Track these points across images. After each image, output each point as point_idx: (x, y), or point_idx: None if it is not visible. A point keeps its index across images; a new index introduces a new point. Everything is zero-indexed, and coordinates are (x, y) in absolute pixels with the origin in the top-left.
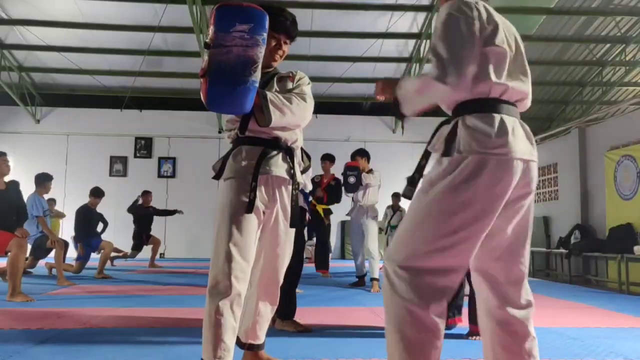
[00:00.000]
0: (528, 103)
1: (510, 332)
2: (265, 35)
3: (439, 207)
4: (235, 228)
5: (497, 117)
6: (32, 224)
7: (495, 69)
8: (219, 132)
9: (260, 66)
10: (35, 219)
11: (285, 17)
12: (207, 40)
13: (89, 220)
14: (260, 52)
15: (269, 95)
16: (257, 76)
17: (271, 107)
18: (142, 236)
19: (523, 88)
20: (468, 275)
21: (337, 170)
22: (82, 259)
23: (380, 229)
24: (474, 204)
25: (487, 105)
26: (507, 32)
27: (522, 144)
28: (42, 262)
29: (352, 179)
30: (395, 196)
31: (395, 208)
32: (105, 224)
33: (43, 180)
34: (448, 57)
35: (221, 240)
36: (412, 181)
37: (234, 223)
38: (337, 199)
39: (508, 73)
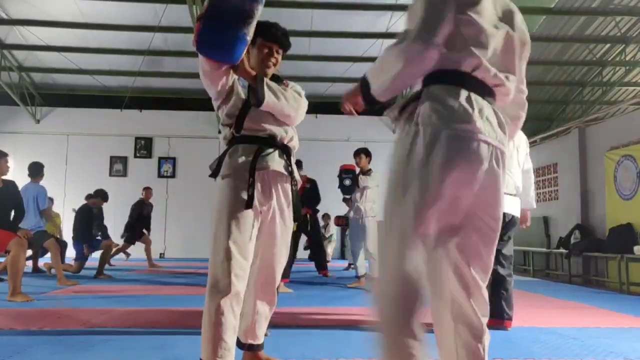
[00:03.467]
0: (509, 97)
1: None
2: None
3: (393, 186)
4: (234, 226)
5: (463, 91)
6: (33, 217)
7: (468, 40)
8: (219, 132)
9: (254, 23)
10: (37, 212)
11: (277, 28)
12: None
13: (89, 220)
14: (257, 9)
15: (266, 79)
16: (249, 31)
17: (266, 88)
18: (136, 231)
19: (500, 75)
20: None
21: (330, 171)
22: (82, 258)
23: None
24: (426, 182)
25: (454, 77)
26: (503, 15)
27: (490, 126)
28: (40, 263)
29: (347, 182)
30: None
31: None
32: (103, 228)
33: (41, 169)
34: (420, 18)
35: (220, 239)
36: None
37: (233, 221)
38: (317, 201)
39: (488, 52)
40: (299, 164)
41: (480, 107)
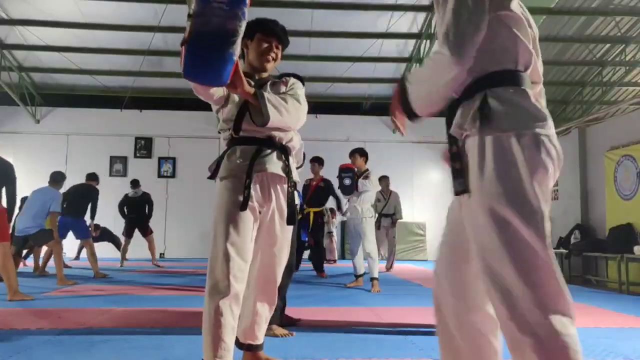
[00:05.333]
0: (537, 90)
1: None
2: (245, 10)
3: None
4: (232, 228)
5: (530, 92)
6: (41, 217)
7: (516, 34)
8: (219, 132)
9: (240, 40)
10: (47, 214)
11: (275, 24)
12: (190, 12)
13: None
14: (240, 26)
15: (266, 94)
16: (235, 49)
17: (269, 106)
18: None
19: (539, 74)
20: None
21: (330, 171)
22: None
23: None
24: (543, 186)
25: (517, 78)
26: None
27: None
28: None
29: (347, 181)
30: (384, 179)
31: (386, 194)
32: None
33: (63, 179)
34: (451, 28)
35: (219, 240)
36: (459, 172)
37: (231, 222)
38: (324, 201)
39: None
40: (320, 161)
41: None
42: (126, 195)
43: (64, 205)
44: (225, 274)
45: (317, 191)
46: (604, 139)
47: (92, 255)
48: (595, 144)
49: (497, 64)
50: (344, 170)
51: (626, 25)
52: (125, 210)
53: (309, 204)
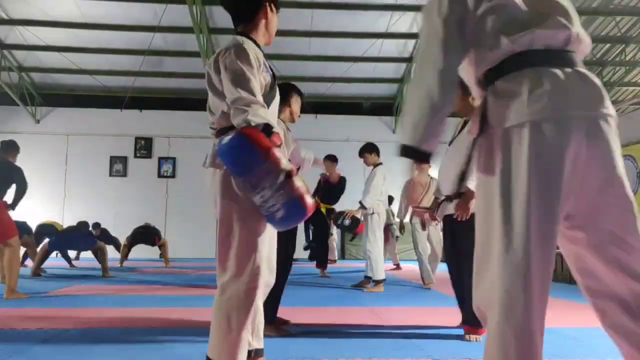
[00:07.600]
0: (585, 41)
1: None
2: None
3: (500, 204)
4: (263, 224)
5: (528, 72)
6: None
7: (507, 23)
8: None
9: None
10: None
11: None
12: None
13: None
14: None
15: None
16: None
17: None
18: None
19: (562, 26)
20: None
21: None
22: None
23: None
24: (531, 183)
25: (515, 63)
26: None
27: (577, 95)
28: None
29: (346, 222)
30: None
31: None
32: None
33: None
34: (430, 41)
35: (251, 236)
36: (462, 176)
37: (258, 220)
38: (336, 199)
39: (532, 19)
40: (332, 158)
41: (556, 77)
42: None
43: (56, 237)
44: (260, 267)
45: (332, 188)
46: None
47: (102, 256)
48: None
49: (496, 57)
50: (337, 218)
51: (626, 25)
52: None
53: (322, 200)
